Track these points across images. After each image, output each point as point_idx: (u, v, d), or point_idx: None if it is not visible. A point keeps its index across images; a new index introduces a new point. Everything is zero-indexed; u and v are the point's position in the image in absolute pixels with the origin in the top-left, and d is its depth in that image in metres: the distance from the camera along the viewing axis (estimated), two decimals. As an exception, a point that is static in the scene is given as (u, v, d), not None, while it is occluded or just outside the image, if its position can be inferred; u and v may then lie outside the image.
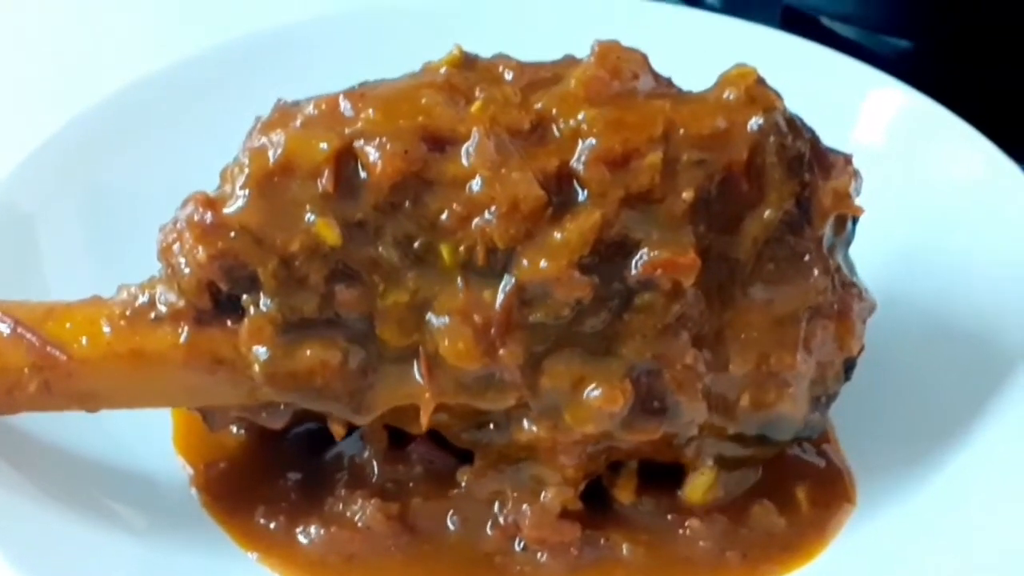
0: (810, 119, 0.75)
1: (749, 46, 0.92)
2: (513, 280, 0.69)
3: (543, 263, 0.68)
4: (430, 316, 0.70)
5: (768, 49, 0.93)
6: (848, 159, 0.73)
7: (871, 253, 0.79)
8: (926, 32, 1.01)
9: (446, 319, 0.70)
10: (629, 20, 0.94)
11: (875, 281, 0.79)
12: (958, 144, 0.89)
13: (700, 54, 0.90)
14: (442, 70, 0.73)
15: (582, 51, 0.75)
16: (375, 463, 0.77)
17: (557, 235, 0.69)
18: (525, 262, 0.69)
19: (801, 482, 0.77)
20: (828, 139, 0.75)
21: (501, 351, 0.69)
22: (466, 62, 0.74)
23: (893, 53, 1.03)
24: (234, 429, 0.79)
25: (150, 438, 0.78)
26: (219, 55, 0.93)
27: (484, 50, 0.76)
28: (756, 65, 0.75)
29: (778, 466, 0.78)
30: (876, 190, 0.77)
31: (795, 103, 0.74)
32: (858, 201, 0.74)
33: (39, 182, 0.86)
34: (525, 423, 0.72)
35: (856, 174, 0.73)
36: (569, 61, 0.75)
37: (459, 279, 0.70)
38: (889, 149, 0.90)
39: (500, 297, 0.69)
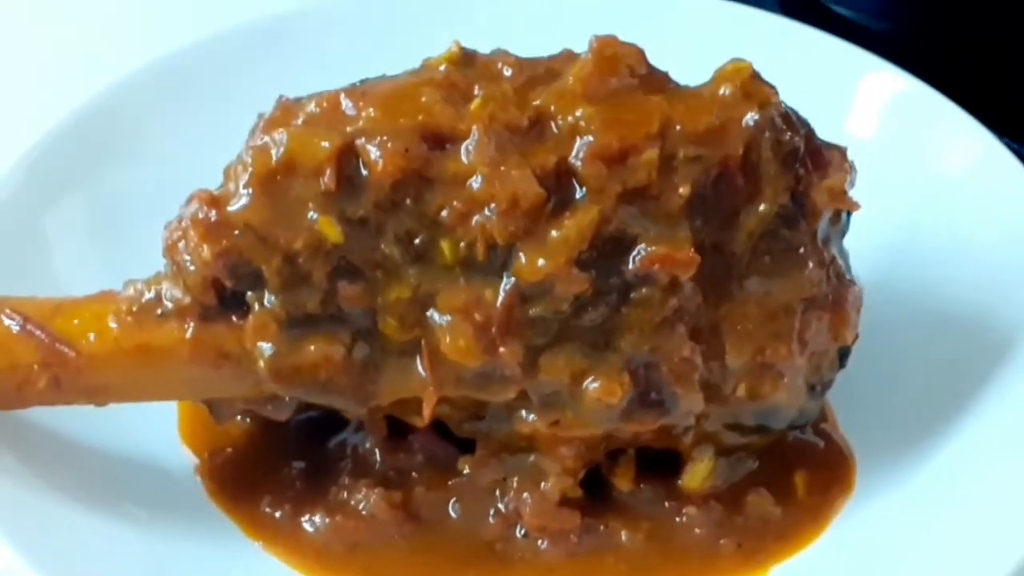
0: (805, 105, 0.76)
1: (744, 31, 0.93)
2: (513, 280, 0.70)
3: (543, 260, 0.69)
4: (432, 313, 0.71)
5: (764, 34, 0.94)
6: (843, 153, 0.74)
7: (867, 239, 0.80)
8: (916, 17, 1.02)
9: (448, 317, 0.71)
10: (625, 6, 0.94)
11: (871, 267, 0.80)
12: (953, 131, 0.89)
13: (696, 39, 0.91)
14: (441, 67, 0.73)
15: (578, 40, 0.76)
16: (378, 452, 0.78)
17: (556, 232, 0.70)
18: (525, 259, 0.70)
19: (800, 468, 0.78)
20: (823, 125, 0.76)
21: (501, 349, 0.70)
22: (465, 59, 0.74)
23: (892, 33, 1.03)
24: (239, 418, 0.79)
25: (156, 428, 0.79)
26: (221, 46, 0.93)
27: (481, 40, 0.76)
28: (752, 50, 0.76)
29: (777, 451, 0.78)
30: (871, 177, 0.78)
31: (791, 89, 0.75)
32: (853, 192, 0.75)
33: (43, 174, 0.86)
34: (527, 415, 0.73)
35: (852, 168, 0.74)
36: (567, 56, 0.75)
37: (460, 275, 0.71)
38: (884, 135, 0.90)
39: (501, 296, 0.70)
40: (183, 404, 0.80)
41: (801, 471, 0.78)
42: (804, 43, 0.95)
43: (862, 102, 0.92)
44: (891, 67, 0.93)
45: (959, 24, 1.02)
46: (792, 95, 0.75)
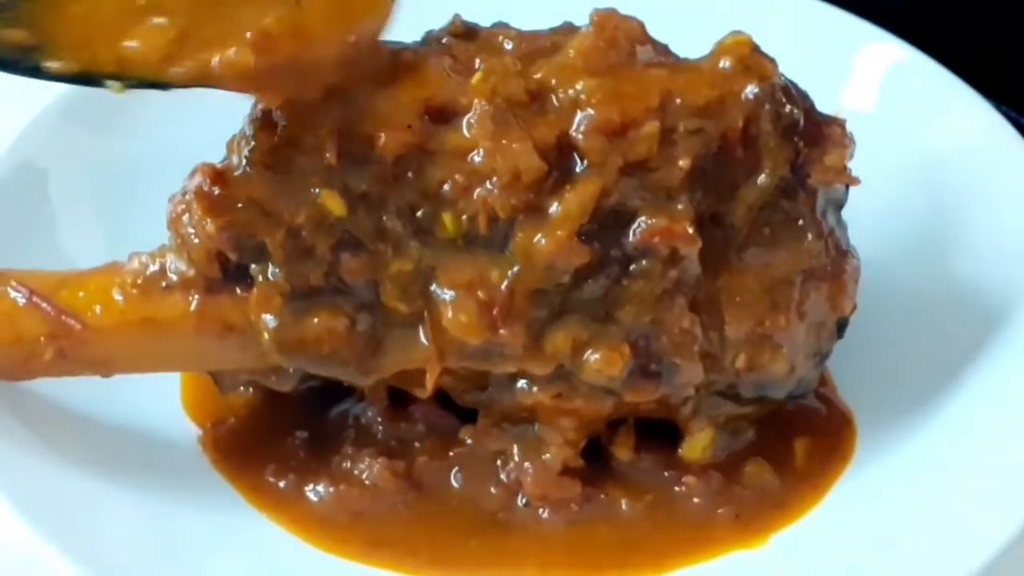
0: (805, 75, 0.76)
1: (743, 2, 0.93)
2: (518, 266, 0.70)
3: (545, 235, 0.70)
4: (435, 287, 0.72)
5: (763, 4, 0.94)
6: (843, 126, 0.74)
7: (865, 210, 0.80)
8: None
9: (451, 292, 0.71)
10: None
11: (869, 238, 0.80)
12: (953, 101, 0.90)
13: (696, 12, 0.92)
14: (443, 40, 0.74)
15: (579, 14, 0.76)
16: (380, 422, 0.79)
17: (558, 205, 0.70)
18: (526, 234, 0.70)
19: (801, 434, 0.79)
20: (823, 96, 0.76)
21: (503, 331, 0.71)
22: (466, 32, 0.75)
23: (892, 3, 1.03)
24: (242, 388, 0.80)
25: (159, 398, 0.80)
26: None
27: (482, 14, 0.77)
28: (751, 20, 0.77)
29: (778, 419, 0.79)
30: (870, 148, 0.78)
31: (790, 59, 0.75)
32: (852, 163, 0.76)
33: (47, 147, 0.87)
34: (529, 386, 0.74)
35: (851, 142, 0.75)
36: (567, 29, 0.76)
37: (462, 248, 0.71)
38: (884, 106, 0.91)
39: (507, 279, 0.70)
40: (186, 375, 0.81)
41: (801, 438, 0.79)
42: (803, 13, 0.95)
43: (861, 73, 0.93)
44: (891, 37, 0.93)
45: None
46: (791, 65, 0.75)
